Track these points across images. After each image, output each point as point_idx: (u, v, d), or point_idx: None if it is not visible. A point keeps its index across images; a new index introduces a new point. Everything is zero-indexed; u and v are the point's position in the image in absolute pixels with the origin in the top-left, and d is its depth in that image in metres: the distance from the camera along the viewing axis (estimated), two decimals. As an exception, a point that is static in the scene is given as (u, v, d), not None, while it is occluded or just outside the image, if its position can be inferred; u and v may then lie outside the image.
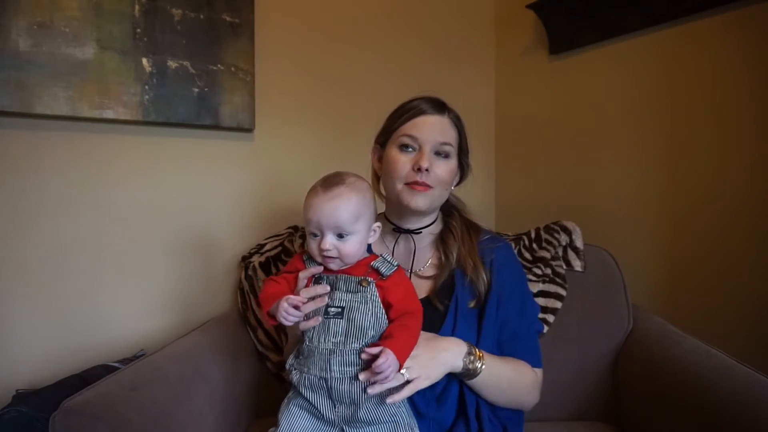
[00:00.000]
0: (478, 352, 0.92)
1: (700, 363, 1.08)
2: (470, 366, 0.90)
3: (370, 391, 0.80)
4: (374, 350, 0.80)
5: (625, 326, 1.30)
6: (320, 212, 0.85)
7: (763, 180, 1.25)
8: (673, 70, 1.43)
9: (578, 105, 1.69)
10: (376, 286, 0.87)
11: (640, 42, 1.51)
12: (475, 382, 0.92)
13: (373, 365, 0.78)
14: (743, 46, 1.28)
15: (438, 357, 0.88)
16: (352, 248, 0.87)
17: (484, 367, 0.91)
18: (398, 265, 0.91)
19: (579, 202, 1.67)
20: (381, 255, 0.91)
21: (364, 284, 0.87)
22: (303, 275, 0.90)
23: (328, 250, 0.85)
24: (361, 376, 0.80)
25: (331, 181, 0.88)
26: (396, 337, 0.82)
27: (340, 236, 0.86)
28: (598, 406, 1.29)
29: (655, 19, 1.45)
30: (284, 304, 0.82)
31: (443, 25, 1.87)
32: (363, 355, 0.82)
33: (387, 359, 0.78)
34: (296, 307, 0.83)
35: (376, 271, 0.88)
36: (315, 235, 0.87)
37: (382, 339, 0.84)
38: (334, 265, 0.88)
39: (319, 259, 0.88)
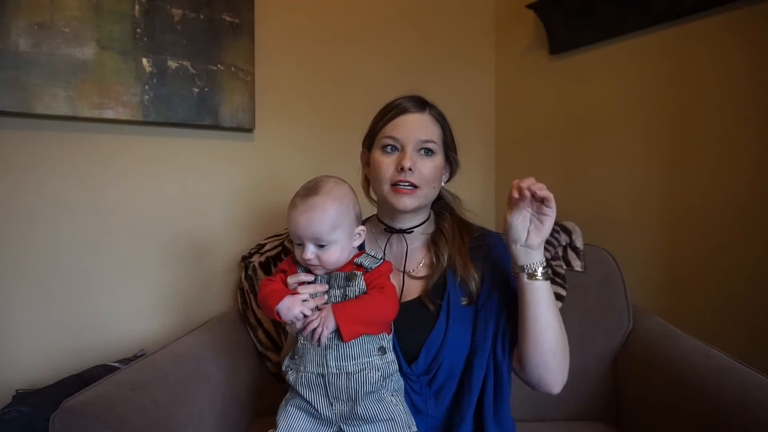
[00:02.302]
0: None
1: (700, 363, 1.08)
2: (546, 269, 0.90)
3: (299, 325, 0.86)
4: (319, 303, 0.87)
5: (625, 326, 1.31)
6: (297, 224, 0.87)
7: (763, 180, 1.25)
8: (673, 70, 1.43)
9: (578, 105, 1.69)
10: (364, 278, 0.88)
11: (640, 42, 1.51)
12: (542, 286, 0.89)
13: (308, 318, 0.84)
14: (743, 46, 1.28)
15: None
16: (332, 256, 0.88)
17: (548, 281, 0.90)
18: (383, 259, 0.92)
19: (579, 202, 1.67)
20: (366, 251, 0.93)
21: (351, 278, 0.88)
22: (292, 281, 0.90)
23: (309, 260, 0.87)
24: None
25: (308, 191, 0.89)
26: (348, 303, 0.86)
27: (321, 246, 0.87)
28: (598, 406, 1.29)
29: (655, 19, 1.45)
30: (297, 309, 0.84)
31: (443, 25, 1.87)
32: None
33: (319, 316, 0.84)
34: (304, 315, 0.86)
35: (361, 266, 0.90)
36: (298, 245, 0.89)
37: None
38: (318, 271, 0.90)
39: (306, 266, 0.90)
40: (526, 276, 0.89)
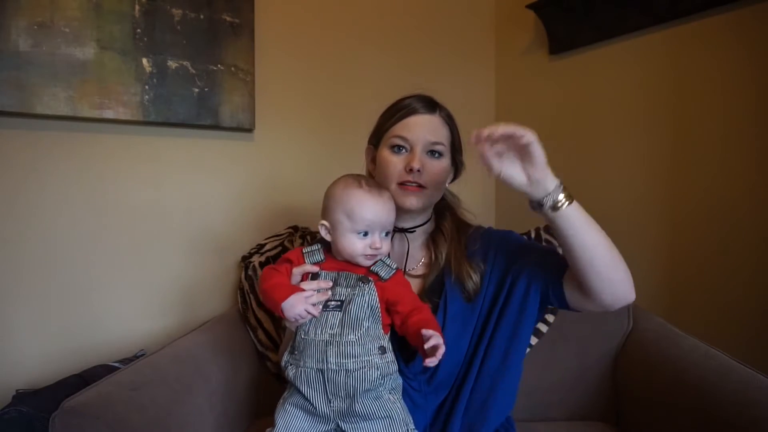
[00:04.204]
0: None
1: (700, 363, 1.08)
2: (564, 192, 0.83)
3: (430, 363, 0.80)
4: (428, 333, 0.81)
5: (625, 326, 1.30)
6: (380, 214, 0.90)
7: (764, 181, 1.25)
8: (674, 70, 1.43)
9: (578, 105, 1.69)
10: (375, 285, 0.89)
11: (641, 42, 1.51)
12: (571, 212, 0.83)
13: (437, 351, 0.79)
14: (744, 45, 1.28)
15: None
16: (389, 245, 0.93)
17: (574, 202, 0.83)
18: (397, 268, 0.93)
19: (579, 202, 1.66)
20: (380, 258, 0.93)
21: (363, 281, 0.89)
22: (297, 271, 0.91)
23: (380, 248, 0.90)
24: (428, 362, 0.80)
25: (372, 185, 0.93)
26: (434, 323, 0.87)
27: (386, 234, 0.92)
28: (598, 406, 1.29)
29: (655, 19, 1.45)
30: (301, 308, 0.84)
31: (443, 25, 1.87)
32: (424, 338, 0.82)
33: (440, 344, 0.80)
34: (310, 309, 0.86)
35: (376, 274, 0.91)
36: (364, 234, 0.90)
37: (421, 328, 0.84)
38: (371, 261, 0.91)
39: (359, 259, 0.90)
40: (551, 210, 0.82)
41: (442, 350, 0.79)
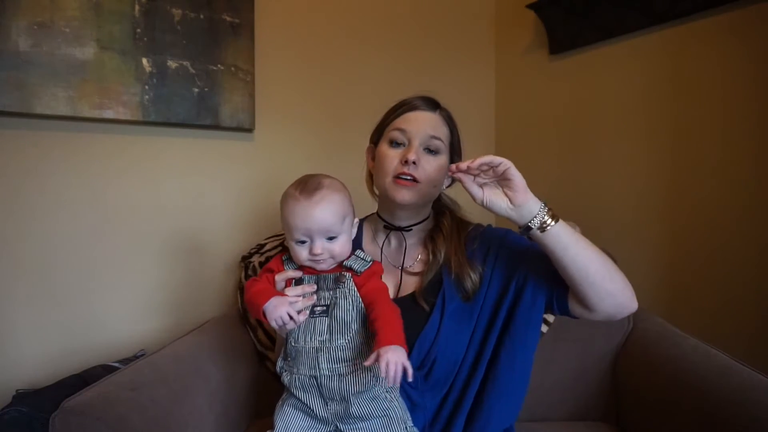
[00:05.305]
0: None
1: (700, 363, 1.08)
2: (549, 212, 0.83)
3: (389, 384, 0.77)
4: (371, 360, 0.77)
5: (625, 326, 1.31)
6: (309, 218, 0.85)
7: (764, 181, 1.25)
8: (674, 70, 1.43)
9: (578, 105, 1.70)
10: (354, 281, 0.88)
11: (641, 42, 1.51)
12: (559, 231, 0.83)
13: (386, 375, 0.75)
14: (744, 46, 1.28)
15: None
16: (343, 247, 0.89)
17: (559, 221, 0.83)
18: (372, 261, 0.92)
19: (579, 203, 1.67)
20: (354, 253, 0.92)
21: (341, 279, 0.88)
22: (280, 278, 0.90)
23: (321, 254, 0.86)
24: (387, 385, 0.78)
25: (310, 186, 0.88)
26: (385, 331, 0.80)
27: (330, 238, 0.87)
28: (598, 406, 1.29)
29: (655, 19, 1.45)
30: (283, 310, 0.82)
31: (444, 25, 1.87)
32: (366, 363, 0.78)
33: (390, 364, 0.75)
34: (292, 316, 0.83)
35: (350, 268, 0.89)
36: (303, 242, 0.87)
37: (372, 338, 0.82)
38: (325, 265, 0.89)
39: (308, 264, 0.89)
40: (538, 231, 0.83)
41: (392, 370, 0.74)
